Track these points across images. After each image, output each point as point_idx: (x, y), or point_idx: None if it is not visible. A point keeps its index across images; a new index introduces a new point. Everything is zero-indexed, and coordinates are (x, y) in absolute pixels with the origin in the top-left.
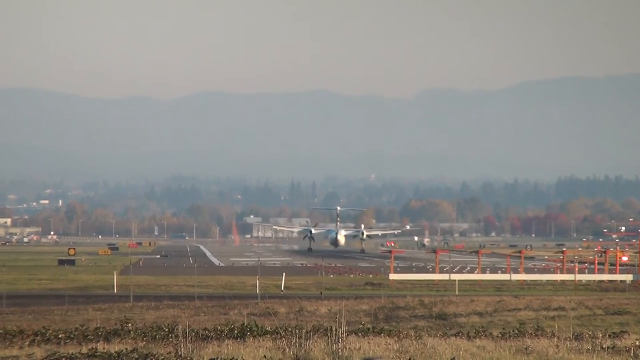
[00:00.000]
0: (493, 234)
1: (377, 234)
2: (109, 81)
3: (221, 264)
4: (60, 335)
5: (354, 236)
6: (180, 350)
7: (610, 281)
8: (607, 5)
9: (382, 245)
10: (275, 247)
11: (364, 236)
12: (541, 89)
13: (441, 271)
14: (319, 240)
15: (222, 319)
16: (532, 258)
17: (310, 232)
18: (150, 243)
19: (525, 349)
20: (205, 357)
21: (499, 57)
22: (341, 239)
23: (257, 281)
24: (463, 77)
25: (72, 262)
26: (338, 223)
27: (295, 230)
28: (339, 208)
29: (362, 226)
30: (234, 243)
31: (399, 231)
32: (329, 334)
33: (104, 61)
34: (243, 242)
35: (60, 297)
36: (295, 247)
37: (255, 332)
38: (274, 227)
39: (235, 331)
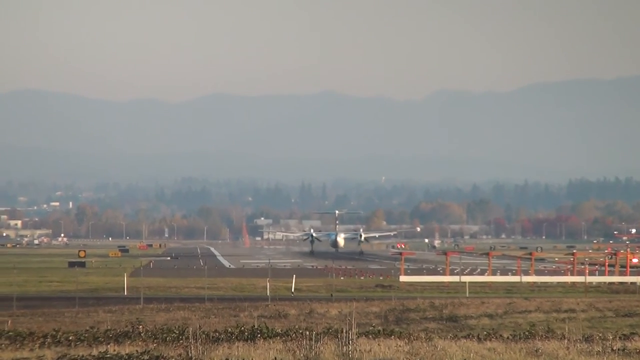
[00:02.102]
0: (503, 235)
1: (375, 236)
2: (120, 83)
3: (231, 266)
4: (70, 338)
5: (353, 238)
6: (191, 352)
7: (621, 283)
8: (615, 7)
9: (393, 247)
10: (285, 249)
11: (362, 238)
12: (551, 91)
13: (452, 273)
14: (321, 243)
15: (233, 321)
16: (542, 260)
17: (312, 235)
18: (160, 245)
19: (536, 351)
20: (215, 359)
21: (509, 59)
22: (340, 241)
23: (268, 283)
24: (473, 79)
25: (82, 264)
26: (337, 226)
27: (298, 234)
28: (337, 212)
29: (361, 229)
30: (244, 245)
31: (395, 233)
32: (339, 336)
33: (114, 63)
34: (253, 244)
35: (70, 299)
36: (306, 249)
37: (266, 334)
38: (278, 232)
39: (246, 333)
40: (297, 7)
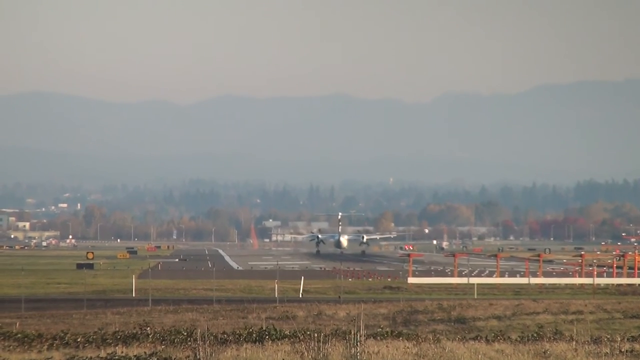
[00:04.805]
0: (511, 237)
1: (376, 238)
2: (128, 86)
3: (240, 268)
4: (78, 339)
5: (357, 239)
6: (199, 354)
7: (629, 285)
8: (623, 9)
9: (401, 249)
10: (294, 250)
11: (364, 240)
12: (559, 92)
13: (460, 275)
14: (326, 244)
15: (241, 322)
16: (550, 262)
17: (318, 237)
18: (168, 247)
19: (544, 352)
20: None
21: (516, 61)
22: (344, 241)
23: (276, 285)
24: (481, 81)
25: (90, 266)
26: (340, 227)
27: (305, 235)
28: (340, 214)
29: (364, 232)
30: (252, 247)
31: (395, 234)
32: (347, 338)
33: (123, 65)
34: (262, 246)
35: (78, 301)
36: (314, 250)
37: (274, 336)
38: (286, 234)
39: (254, 335)
40: (306, 9)
